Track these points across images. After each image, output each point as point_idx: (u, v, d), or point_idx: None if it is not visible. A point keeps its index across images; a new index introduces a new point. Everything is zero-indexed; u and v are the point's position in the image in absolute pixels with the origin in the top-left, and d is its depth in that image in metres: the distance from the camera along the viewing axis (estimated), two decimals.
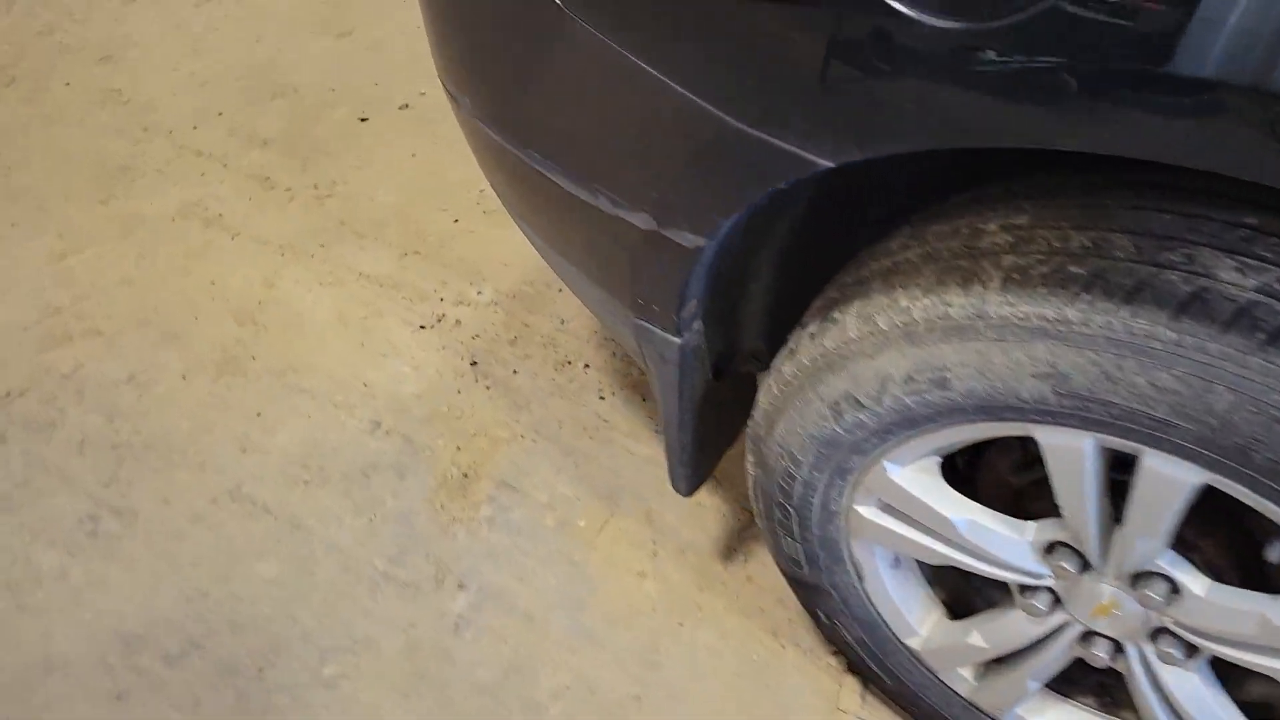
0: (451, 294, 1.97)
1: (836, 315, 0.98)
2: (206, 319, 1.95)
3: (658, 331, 1.14)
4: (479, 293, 1.97)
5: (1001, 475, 1.12)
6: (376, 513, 1.62)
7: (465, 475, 1.66)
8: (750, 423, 1.15)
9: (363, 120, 2.42)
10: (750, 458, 1.17)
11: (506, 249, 2.06)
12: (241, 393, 1.81)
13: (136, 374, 1.86)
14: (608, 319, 1.26)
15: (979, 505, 1.03)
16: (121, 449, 1.74)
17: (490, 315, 1.92)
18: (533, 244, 1.34)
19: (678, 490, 1.35)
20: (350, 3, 2.87)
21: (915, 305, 0.90)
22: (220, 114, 2.47)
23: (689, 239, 0.98)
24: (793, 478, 1.11)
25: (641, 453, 1.68)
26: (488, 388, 1.80)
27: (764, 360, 1.32)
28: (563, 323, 1.90)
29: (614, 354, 1.84)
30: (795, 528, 1.17)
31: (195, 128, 2.43)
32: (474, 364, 1.84)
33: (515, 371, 1.82)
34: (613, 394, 1.78)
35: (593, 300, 1.26)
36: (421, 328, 1.91)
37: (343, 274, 2.03)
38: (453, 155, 2.30)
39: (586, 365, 1.82)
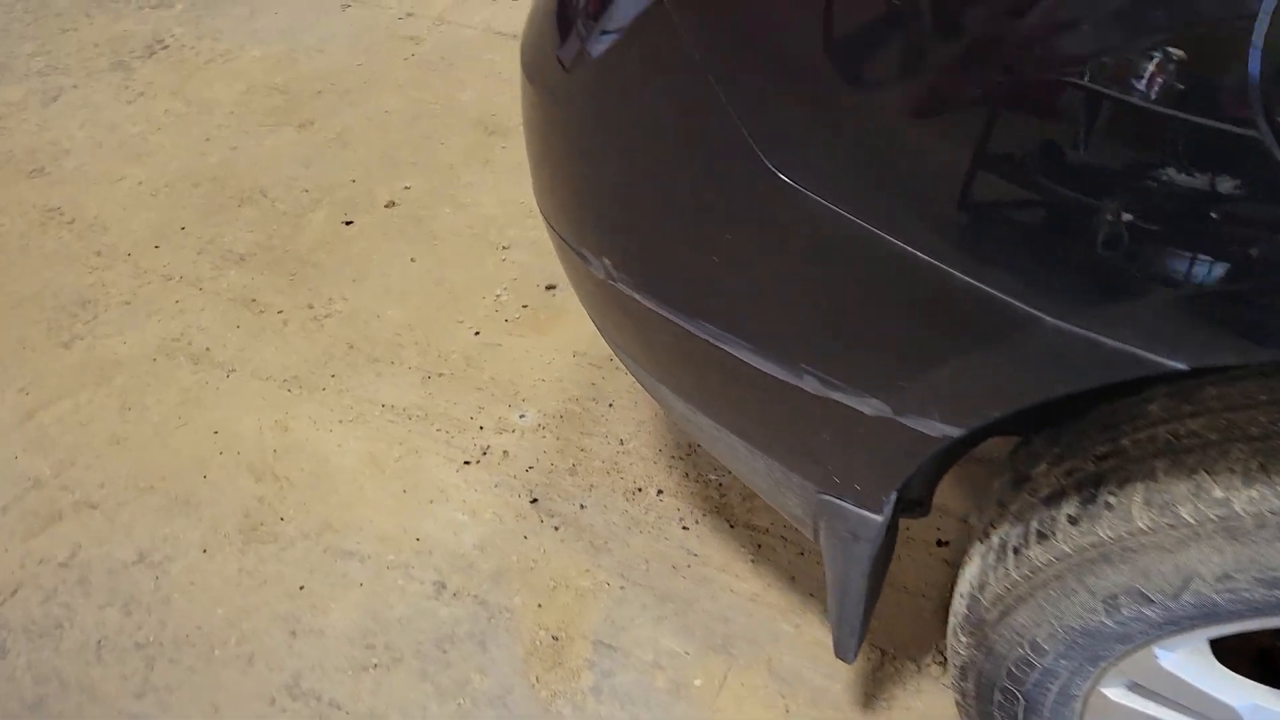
0: (491, 421, 1.79)
1: (1110, 499, 0.85)
2: (218, 477, 1.72)
3: (852, 509, 1.00)
4: (521, 416, 1.79)
5: (1253, 638, 1.00)
6: (465, 696, 1.43)
7: (555, 638, 1.49)
8: (969, 603, 1.01)
9: (347, 223, 2.21)
10: (965, 639, 1.03)
11: (538, 363, 1.89)
12: (277, 564, 1.60)
13: (148, 553, 1.62)
14: (772, 488, 1.11)
15: (1266, 687, 0.91)
16: (149, 648, 1.50)
17: (540, 442, 1.75)
18: (664, 405, 1.19)
19: (843, 659, 1.21)
20: (301, 90, 2.65)
21: (1236, 497, 0.78)
22: (183, 228, 2.24)
23: (938, 429, 0.84)
24: (1030, 665, 0.97)
25: (743, 589, 1.53)
26: (556, 528, 1.62)
27: (925, 506, 1.19)
28: (622, 443, 1.73)
29: (686, 475, 1.68)
30: (1020, 713, 1.03)
31: (157, 247, 2.19)
32: (534, 501, 1.66)
33: (583, 506, 1.65)
34: (696, 522, 1.62)
35: (753, 469, 1.10)
36: (466, 463, 1.72)
37: (364, 408, 1.82)
38: (455, 256, 2.12)
39: (660, 491, 1.66)
